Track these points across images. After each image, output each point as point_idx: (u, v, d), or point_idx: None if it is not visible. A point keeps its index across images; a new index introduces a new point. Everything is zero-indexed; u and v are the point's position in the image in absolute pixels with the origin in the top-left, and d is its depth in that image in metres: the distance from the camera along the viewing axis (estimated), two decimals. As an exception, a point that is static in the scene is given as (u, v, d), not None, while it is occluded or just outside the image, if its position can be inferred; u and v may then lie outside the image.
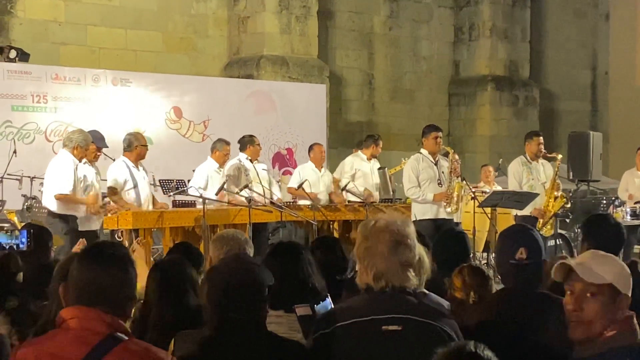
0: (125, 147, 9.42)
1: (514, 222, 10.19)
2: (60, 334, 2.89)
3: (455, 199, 9.81)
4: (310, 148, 11.76)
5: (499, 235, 3.97)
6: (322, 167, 11.62)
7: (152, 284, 4.15)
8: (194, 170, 10.76)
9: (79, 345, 2.81)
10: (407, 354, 3.09)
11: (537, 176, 10.48)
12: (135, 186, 9.30)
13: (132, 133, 9.72)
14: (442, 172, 9.89)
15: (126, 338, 2.87)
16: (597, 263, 2.96)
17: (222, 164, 10.59)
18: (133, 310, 4.47)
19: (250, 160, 10.79)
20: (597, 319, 2.90)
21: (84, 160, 8.93)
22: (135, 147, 9.37)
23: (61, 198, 8.62)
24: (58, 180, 8.64)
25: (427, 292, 3.31)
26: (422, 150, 10.00)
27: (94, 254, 3.03)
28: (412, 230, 3.27)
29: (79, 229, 8.70)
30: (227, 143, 10.68)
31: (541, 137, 10.68)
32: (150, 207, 9.51)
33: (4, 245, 3.99)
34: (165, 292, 4.02)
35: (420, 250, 3.28)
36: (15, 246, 4.03)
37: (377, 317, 3.12)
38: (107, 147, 9.61)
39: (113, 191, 9.16)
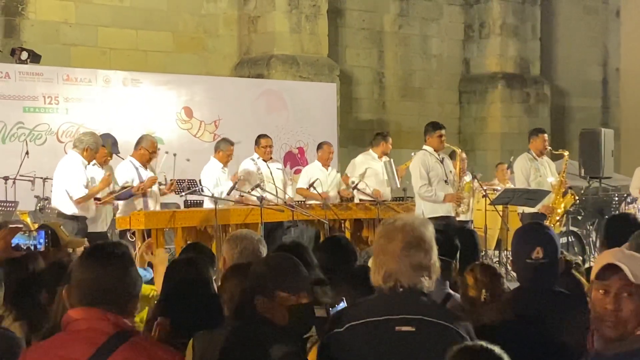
0: (135, 145, 9.53)
1: (519, 220, 10.21)
2: (67, 336, 2.91)
3: (466, 199, 9.75)
4: (319, 147, 11.76)
5: (514, 234, 3.95)
6: (329, 166, 11.61)
7: (171, 282, 4.14)
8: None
9: (85, 345, 2.83)
10: (420, 355, 3.08)
11: (544, 173, 10.47)
12: None
13: (146, 135, 9.77)
14: (450, 171, 9.80)
15: (132, 336, 2.89)
16: (629, 262, 2.95)
17: (225, 164, 10.60)
18: (149, 309, 4.48)
19: (264, 160, 10.82)
20: (632, 318, 2.91)
21: (93, 161, 8.96)
22: (140, 148, 9.43)
23: (82, 201, 8.68)
24: (72, 184, 8.66)
25: (452, 293, 3.29)
26: (426, 147, 9.79)
27: (93, 254, 3.05)
28: (429, 232, 3.22)
29: (88, 230, 8.74)
30: (232, 143, 10.67)
31: (546, 134, 10.68)
32: (158, 208, 9.55)
33: (22, 246, 4.00)
34: (185, 291, 4.01)
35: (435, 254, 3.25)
36: (32, 247, 4.03)
37: (390, 317, 3.11)
38: (119, 153, 9.63)
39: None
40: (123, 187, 9.18)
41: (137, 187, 9.22)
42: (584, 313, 3.64)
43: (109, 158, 9.46)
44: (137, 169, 9.35)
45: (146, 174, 9.41)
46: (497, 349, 2.51)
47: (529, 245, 3.72)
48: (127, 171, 9.36)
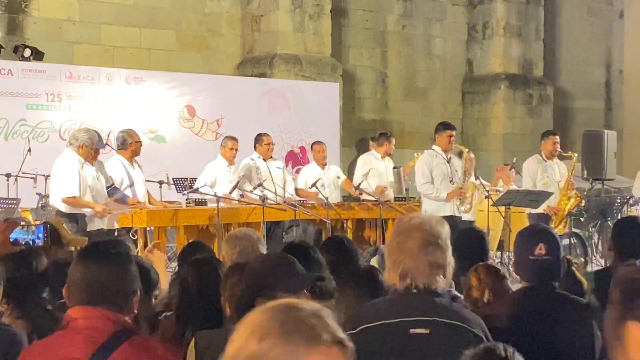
0: (119, 145, 9.39)
1: (527, 220, 10.22)
2: (67, 335, 2.91)
3: (469, 198, 9.77)
4: (311, 147, 11.84)
5: (517, 235, 3.99)
6: (325, 165, 11.62)
7: (190, 282, 4.12)
8: (206, 168, 10.78)
9: (86, 344, 2.83)
10: (435, 357, 3.05)
11: (552, 174, 10.47)
12: (132, 185, 9.29)
13: (125, 130, 9.65)
14: (456, 171, 9.83)
15: (132, 335, 2.89)
16: None
17: (230, 160, 10.58)
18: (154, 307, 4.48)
19: (264, 159, 10.81)
20: None
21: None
22: (130, 144, 9.34)
23: (68, 201, 8.59)
24: (64, 182, 8.60)
25: (457, 294, 3.26)
26: (435, 147, 9.92)
27: (90, 254, 3.06)
28: (446, 231, 3.21)
29: (87, 229, 8.70)
30: (233, 138, 10.64)
31: (557, 137, 10.70)
32: (147, 205, 9.50)
33: (21, 241, 3.98)
34: (203, 290, 4.00)
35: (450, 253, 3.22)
36: (31, 241, 4.02)
37: (404, 319, 3.08)
38: (104, 147, 9.57)
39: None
40: (111, 186, 9.10)
41: (132, 203, 9.12)
42: (587, 317, 3.66)
43: (94, 154, 9.35)
44: (125, 167, 9.30)
45: (134, 173, 9.35)
46: (517, 355, 2.49)
47: (532, 242, 3.78)
48: (116, 170, 9.29)
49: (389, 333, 3.07)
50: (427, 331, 3.05)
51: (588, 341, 3.60)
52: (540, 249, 3.73)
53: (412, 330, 3.05)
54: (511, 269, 10.18)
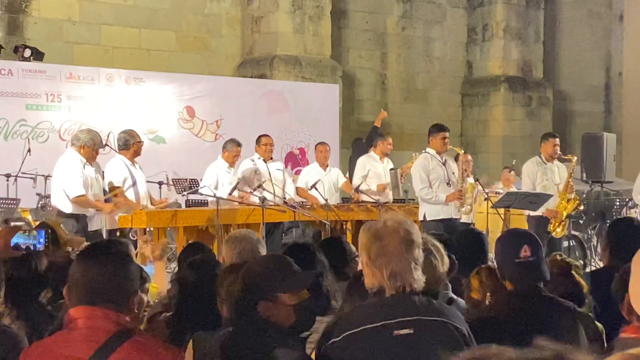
0: (120, 145, 9.36)
1: (526, 223, 10.21)
2: (68, 334, 2.92)
3: (469, 199, 9.74)
4: (315, 147, 11.87)
5: (497, 241, 4.06)
6: (327, 167, 11.63)
7: (188, 283, 4.12)
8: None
9: (87, 343, 2.84)
10: (420, 356, 3.06)
11: (551, 177, 10.44)
12: (134, 184, 9.27)
13: (127, 131, 9.64)
14: (453, 173, 9.77)
15: (133, 334, 2.90)
16: None
17: (231, 164, 10.60)
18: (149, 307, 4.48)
19: (264, 160, 10.82)
20: None
21: None
22: (132, 144, 9.32)
23: (78, 201, 8.61)
24: (70, 182, 8.60)
25: (454, 297, 3.27)
26: (429, 150, 9.75)
27: (90, 254, 3.08)
28: (417, 229, 3.28)
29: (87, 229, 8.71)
30: (238, 144, 10.66)
31: (557, 139, 10.66)
32: (148, 205, 9.50)
33: (21, 246, 3.98)
34: (202, 291, 4.00)
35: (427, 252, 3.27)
36: (32, 246, 4.01)
37: (387, 322, 3.08)
38: (104, 147, 9.56)
39: (114, 189, 9.14)
40: (113, 188, 9.10)
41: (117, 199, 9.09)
42: (574, 321, 3.68)
43: (95, 154, 9.35)
44: (127, 167, 9.31)
45: (137, 173, 9.34)
46: None
47: (516, 246, 3.82)
48: (119, 169, 9.28)
49: (372, 337, 3.08)
50: (411, 331, 3.07)
51: (575, 345, 3.60)
52: (525, 251, 3.78)
53: (395, 332, 3.07)
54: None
